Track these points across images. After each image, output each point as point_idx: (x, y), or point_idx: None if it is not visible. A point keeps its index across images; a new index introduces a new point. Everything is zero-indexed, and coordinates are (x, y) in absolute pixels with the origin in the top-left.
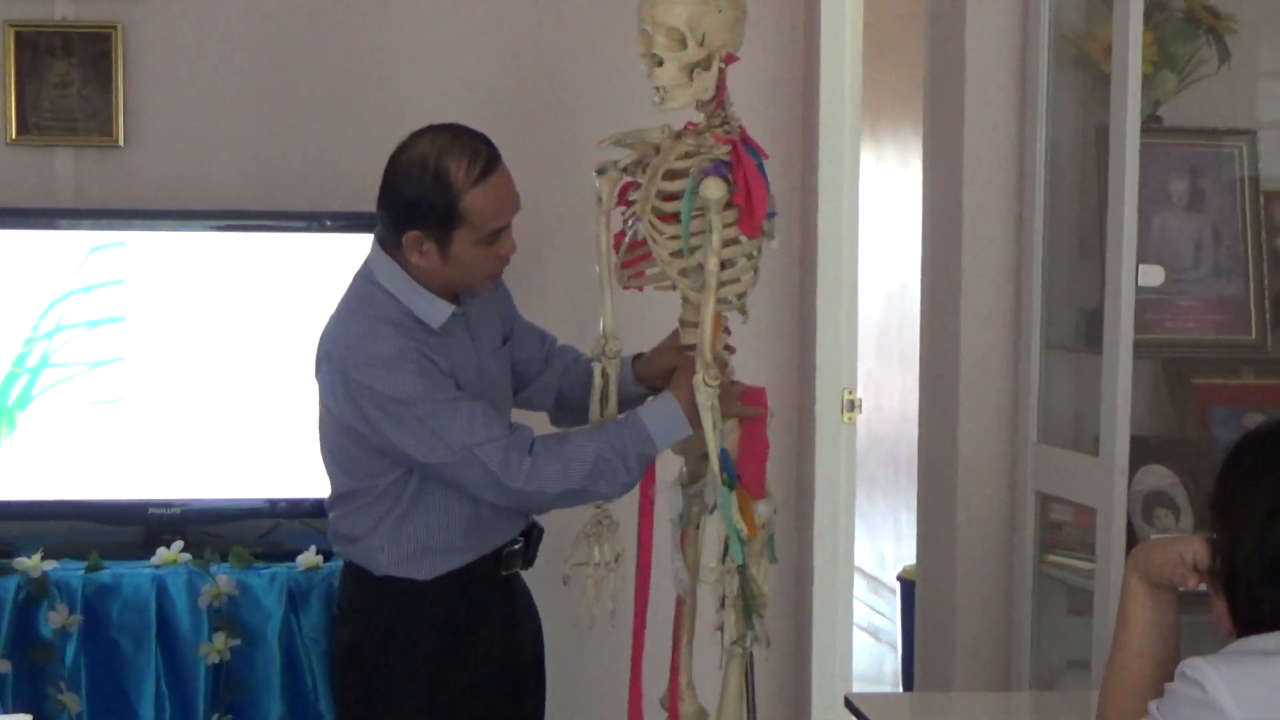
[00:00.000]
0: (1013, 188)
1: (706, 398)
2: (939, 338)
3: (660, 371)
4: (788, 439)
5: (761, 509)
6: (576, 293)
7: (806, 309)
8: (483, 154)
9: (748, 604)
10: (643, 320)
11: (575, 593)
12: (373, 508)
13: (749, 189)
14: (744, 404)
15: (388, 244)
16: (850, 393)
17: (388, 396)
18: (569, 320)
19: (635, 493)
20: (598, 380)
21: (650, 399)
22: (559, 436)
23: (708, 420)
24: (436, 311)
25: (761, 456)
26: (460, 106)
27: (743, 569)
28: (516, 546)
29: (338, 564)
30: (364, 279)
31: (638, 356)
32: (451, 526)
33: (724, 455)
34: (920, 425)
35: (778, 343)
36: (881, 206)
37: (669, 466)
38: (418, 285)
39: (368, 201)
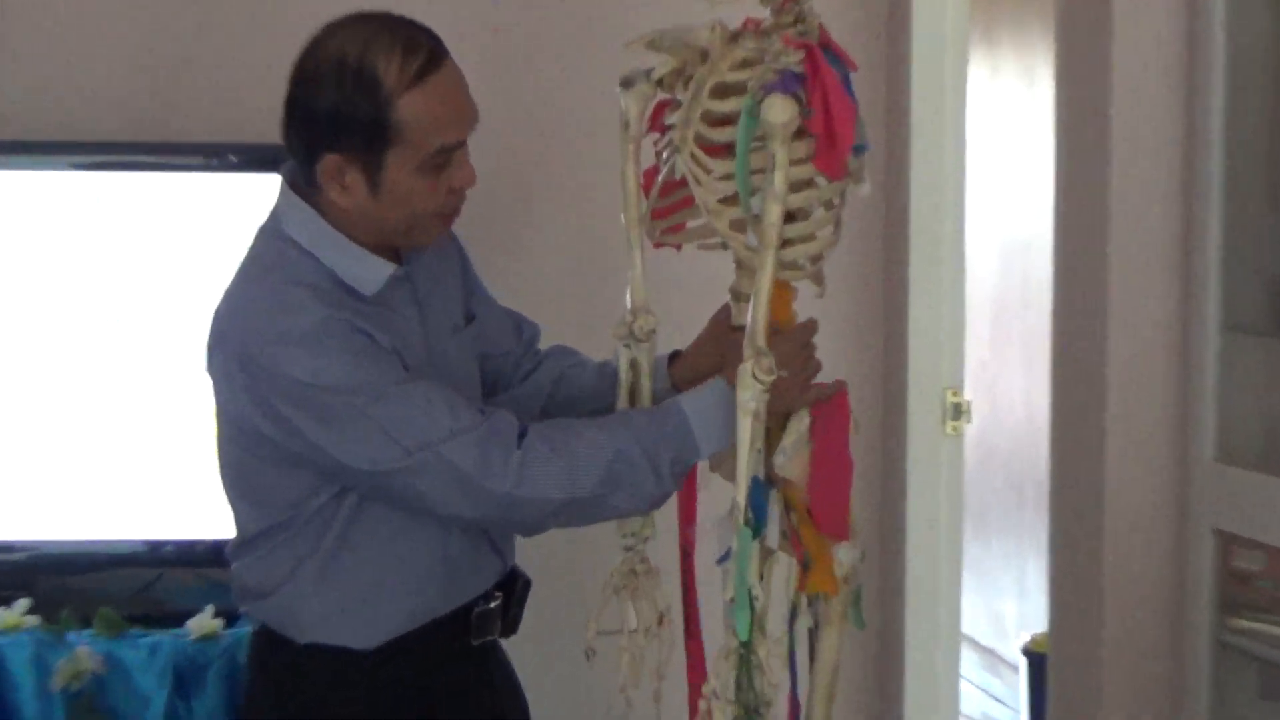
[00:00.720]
0: (1178, 111)
1: (749, 395)
2: (1077, 317)
3: (708, 372)
4: (870, 458)
5: (844, 555)
6: (578, 269)
7: (894, 279)
8: (422, 46)
9: (745, 705)
10: (680, 293)
11: (599, 671)
12: (291, 546)
13: (830, 112)
14: (818, 412)
15: (300, 182)
16: (955, 393)
17: (309, 385)
18: (564, 310)
19: (665, 528)
20: (624, 373)
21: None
22: (562, 425)
23: (744, 429)
24: (369, 272)
25: (843, 482)
26: (407, 2)
27: (745, 650)
28: (493, 604)
29: (245, 630)
30: (270, 234)
31: (675, 356)
32: (401, 568)
33: (757, 485)
34: (1053, 438)
35: (856, 326)
36: (998, 137)
37: (715, 496)
38: (342, 237)
39: (277, 133)
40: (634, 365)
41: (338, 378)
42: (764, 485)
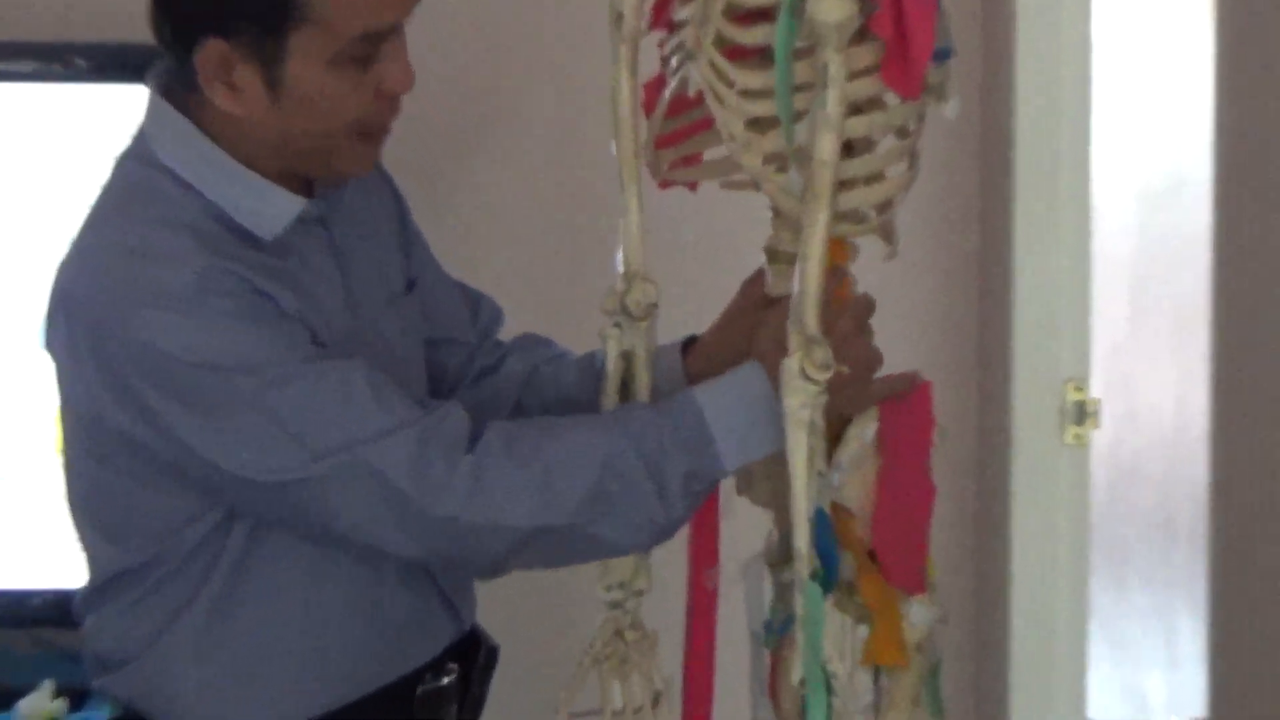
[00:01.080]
0: None
1: (801, 401)
2: (1248, 285)
3: (734, 360)
4: (959, 479)
5: (918, 614)
6: (554, 223)
7: (993, 235)
8: None
9: None
10: (694, 252)
11: None
12: (162, 594)
13: (901, 6)
14: (889, 415)
15: (175, 89)
16: (1078, 389)
17: (183, 362)
18: (536, 284)
19: (671, 575)
20: (613, 364)
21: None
22: (532, 425)
23: (799, 447)
24: (269, 208)
25: (920, 512)
26: None
27: None
28: (445, 679)
29: (101, 716)
30: (134, 162)
31: (690, 343)
32: (313, 625)
33: (822, 518)
34: (1214, 451)
35: (941, 299)
36: (1135, 41)
37: (746, 533)
38: (233, 162)
39: (147, 28)
40: (627, 356)
41: (222, 352)
42: (830, 522)
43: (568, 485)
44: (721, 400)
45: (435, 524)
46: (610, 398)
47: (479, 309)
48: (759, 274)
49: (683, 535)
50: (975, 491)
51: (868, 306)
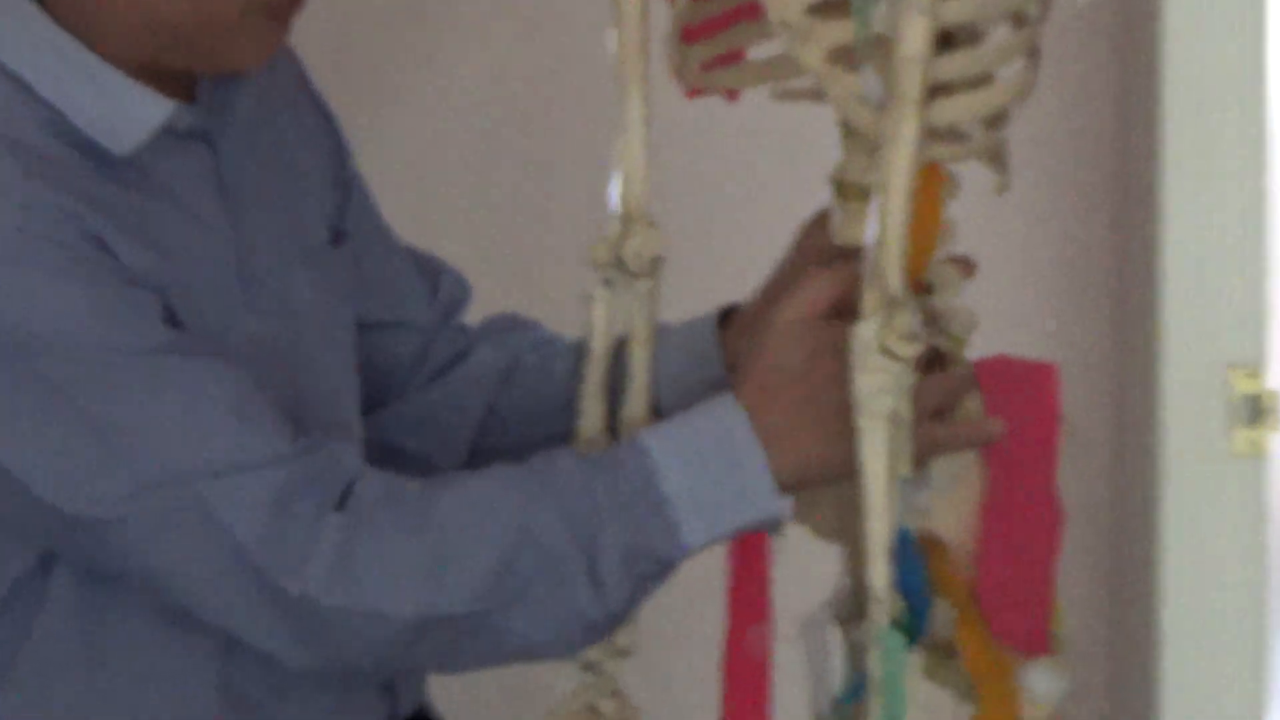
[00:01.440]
0: None
1: (879, 384)
2: None
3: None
4: (1093, 499)
5: (1042, 684)
6: (533, 160)
7: (1135, 170)
8: None
9: None
10: (726, 187)
11: None
12: None
13: None
14: (998, 406)
15: None
16: (1252, 377)
17: None
18: (515, 236)
19: (698, 629)
20: (599, 340)
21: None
22: (441, 481)
23: (875, 449)
24: (126, 111)
25: (1044, 549)
26: None
27: None
28: None
29: None
30: None
31: (728, 314)
32: (178, 701)
33: (907, 543)
34: None
35: (1068, 257)
36: None
37: (806, 578)
38: (82, 50)
39: None
40: (613, 337)
41: (33, 321)
42: (917, 547)
43: (467, 561)
44: (683, 445)
45: (281, 605)
46: (589, 393)
47: (438, 282)
48: (822, 216)
49: (716, 577)
50: (1112, 517)
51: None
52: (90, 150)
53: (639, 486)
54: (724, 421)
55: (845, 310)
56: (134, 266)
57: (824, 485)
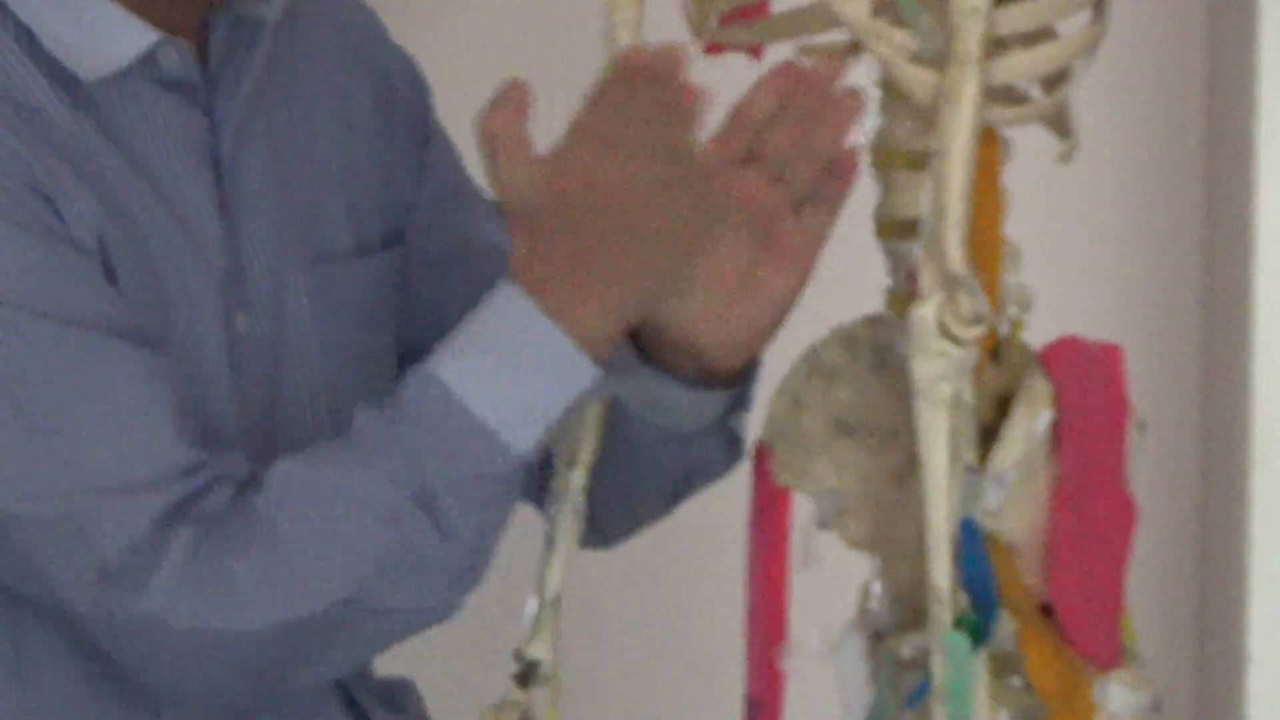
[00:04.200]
0: None
1: (940, 370)
2: None
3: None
4: (1176, 500)
5: (1121, 700)
6: None
7: (1225, 137)
8: None
9: None
10: None
11: None
12: None
13: None
14: (1069, 397)
15: None
16: None
17: None
18: None
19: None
20: None
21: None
22: (280, 477)
23: (935, 437)
24: (103, 32)
25: (1116, 551)
26: None
27: None
28: None
29: None
30: None
31: None
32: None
33: (971, 533)
34: None
35: (1145, 236)
36: None
37: (832, 588)
38: None
39: None
40: None
41: None
42: (981, 536)
43: (312, 557)
44: (472, 355)
45: (142, 625)
46: None
47: None
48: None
49: (734, 583)
50: (1195, 522)
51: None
52: (61, 81)
53: (444, 416)
54: (502, 310)
55: None
56: (81, 224)
57: (652, 306)
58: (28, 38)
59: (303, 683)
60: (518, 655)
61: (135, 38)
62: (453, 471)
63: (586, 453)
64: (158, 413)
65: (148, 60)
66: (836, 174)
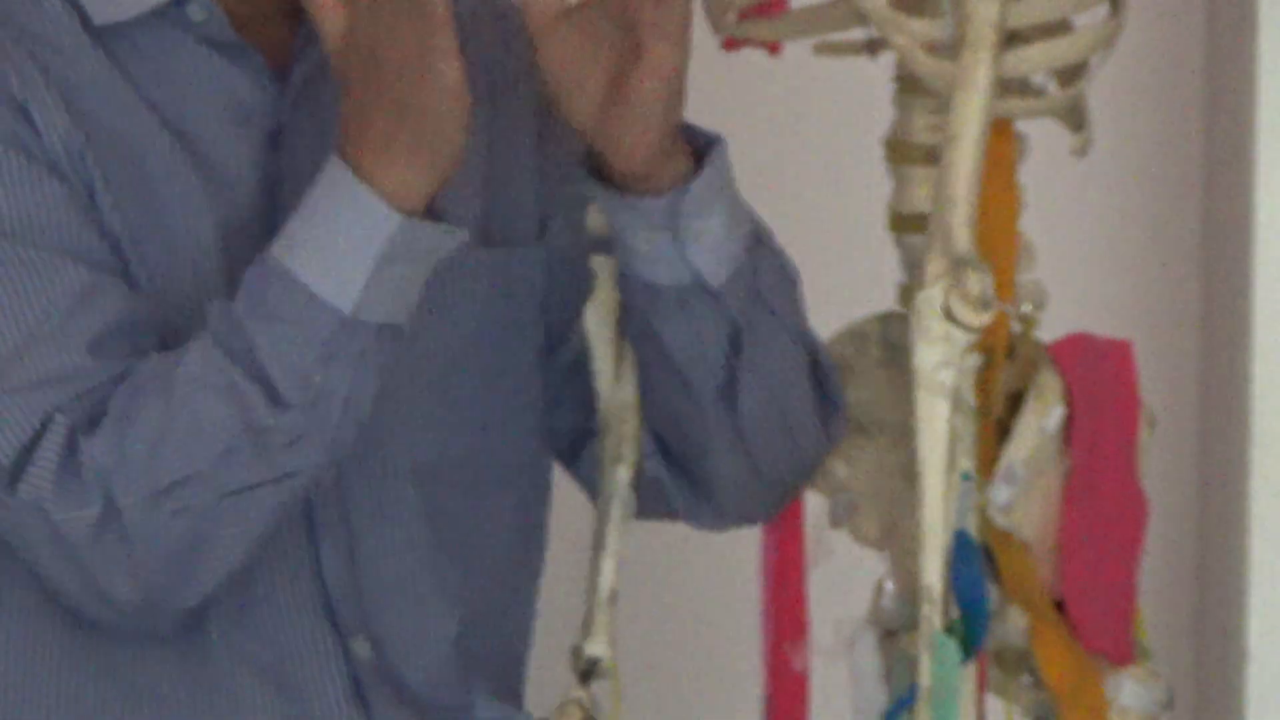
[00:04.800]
0: None
1: (941, 356)
2: None
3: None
4: (1176, 497)
5: (1134, 696)
6: None
7: (1227, 134)
8: None
9: None
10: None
11: None
12: None
13: None
14: (1080, 391)
15: None
16: None
17: None
18: None
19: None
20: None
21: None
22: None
23: (932, 431)
24: None
25: (1129, 547)
26: None
27: None
28: None
29: None
30: None
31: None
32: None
33: (964, 543)
34: None
35: (1149, 233)
36: None
37: (845, 581)
38: None
39: None
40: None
41: None
42: (976, 549)
43: (183, 422)
44: (292, 225)
45: (24, 517)
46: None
47: None
48: None
49: (750, 590)
50: (1195, 520)
51: None
52: (84, 22)
53: (268, 283)
54: (322, 181)
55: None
56: (54, 133)
57: (451, 154)
58: None
59: (193, 592)
60: (576, 652)
61: None
62: (275, 333)
63: (630, 451)
64: (73, 326)
65: (174, 10)
66: None
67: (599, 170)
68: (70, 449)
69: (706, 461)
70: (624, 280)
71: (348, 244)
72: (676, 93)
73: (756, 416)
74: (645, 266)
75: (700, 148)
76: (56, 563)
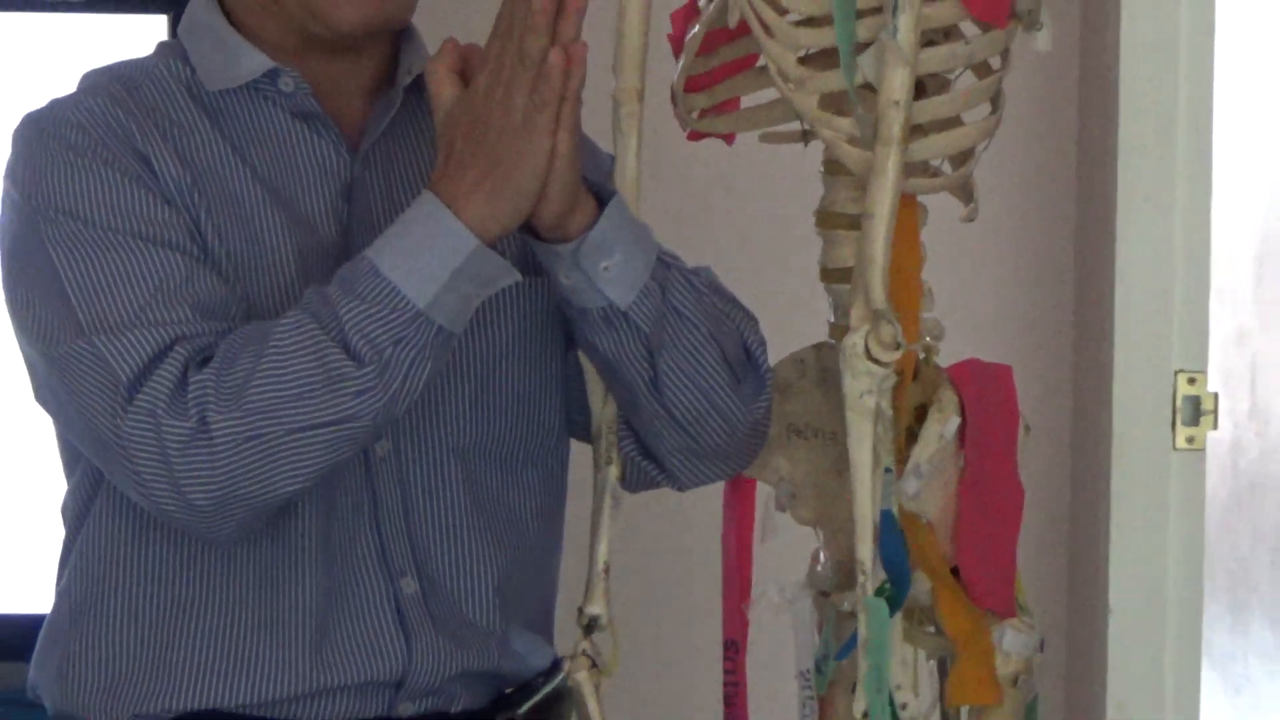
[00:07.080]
0: None
1: (866, 386)
2: None
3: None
4: (1052, 489)
5: (1014, 641)
6: None
7: (1091, 196)
8: None
9: None
10: (707, 227)
11: None
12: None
13: None
14: (973, 406)
15: None
16: (1193, 381)
17: (10, 177)
18: None
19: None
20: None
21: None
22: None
23: (861, 440)
24: (228, 62)
25: (1009, 524)
26: None
27: None
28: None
29: None
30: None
31: None
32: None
33: (889, 522)
34: None
35: (1027, 271)
36: None
37: (787, 552)
38: (221, 18)
39: None
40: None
41: (31, 174)
42: (899, 528)
43: (278, 381)
44: (390, 234)
45: (140, 434)
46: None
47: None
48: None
49: (705, 566)
50: (1069, 504)
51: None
52: (192, 93)
53: (361, 277)
54: (418, 205)
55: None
56: (168, 176)
57: (524, 205)
58: (182, 57)
59: (251, 509)
60: (581, 612)
61: (255, 62)
62: (359, 311)
63: (618, 455)
64: (181, 293)
65: (267, 83)
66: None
67: (527, 224)
68: (182, 376)
69: (654, 440)
70: (564, 305)
71: (431, 256)
72: (566, 170)
73: (681, 402)
74: (572, 295)
75: (605, 198)
76: (152, 466)
